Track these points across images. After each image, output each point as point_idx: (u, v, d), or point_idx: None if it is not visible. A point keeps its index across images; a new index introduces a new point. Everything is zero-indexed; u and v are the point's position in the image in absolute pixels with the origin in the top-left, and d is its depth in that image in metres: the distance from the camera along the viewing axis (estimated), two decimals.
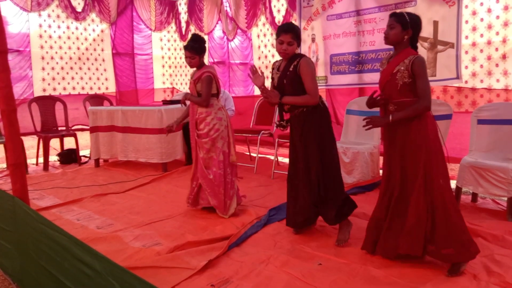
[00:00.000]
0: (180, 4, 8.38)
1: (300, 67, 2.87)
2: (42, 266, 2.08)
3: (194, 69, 3.66)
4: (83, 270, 1.69)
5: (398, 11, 2.62)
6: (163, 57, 8.88)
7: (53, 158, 6.15)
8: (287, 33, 2.88)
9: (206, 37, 7.89)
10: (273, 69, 3.10)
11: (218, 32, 7.85)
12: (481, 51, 4.56)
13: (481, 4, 4.50)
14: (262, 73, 3.11)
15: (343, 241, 2.94)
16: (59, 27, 7.24)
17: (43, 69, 7.09)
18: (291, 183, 3.12)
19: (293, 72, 2.90)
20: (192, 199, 3.68)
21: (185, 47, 3.52)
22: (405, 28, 2.51)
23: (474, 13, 4.56)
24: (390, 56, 2.66)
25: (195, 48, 3.48)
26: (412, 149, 2.52)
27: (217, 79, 3.59)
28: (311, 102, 2.89)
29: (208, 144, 3.50)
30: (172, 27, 8.61)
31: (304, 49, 5.87)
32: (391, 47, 2.64)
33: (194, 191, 3.65)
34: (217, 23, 7.74)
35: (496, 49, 4.45)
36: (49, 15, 7.08)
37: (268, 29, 6.95)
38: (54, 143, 6.26)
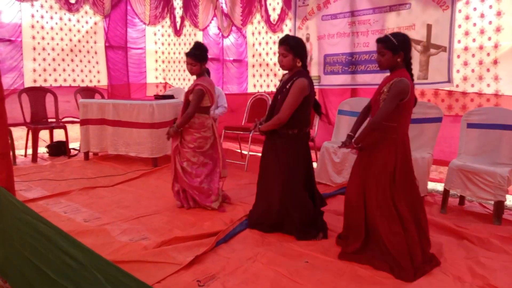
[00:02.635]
0: None
1: (292, 86, 2.89)
2: (26, 257, 2.06)
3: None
4: (67, 262, 1.67)
5: (383, 36, 2.59)
6: (156, 52, 8.82)
7: (42, 150, 6.08)
8: (281, 45, 2.94)
9: (201, 34, 7.88)
10: (280, 81, 3.15)
11: (213, 29, 7.81)
12: (473, 55, 4.59)
13: (475, 9, 4.54)
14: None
15: None
16: (51, 18, 7.15)
17: (34, 60, 7.00)
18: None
19: (288, 89, 2.92)
20: (182, 200, 3.71)
21: (187, 54, 3.57)
22: (395, 53, 2.52)
23: (467, 17, 4.59)
24: (387, 77, 2.69)
25: (196, 55, 3.53)
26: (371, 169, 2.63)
27: (211, 93, 3.61)
28: (281, 121, 2.91)
29: (190, 154, 3.60)
30: (166, 22, 8.55)
31: None
32: None
33: (181, 196, 3.69)
34: (212, 19, 7.71)
35: (488, 54, 4.49)
36: (41, 6, 6.99)
37: (263, 27, 6.94)
38: (44, 134, 6.19)
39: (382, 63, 2.58)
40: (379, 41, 2.57)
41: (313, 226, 3.02)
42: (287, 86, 2.93)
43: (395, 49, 2.50)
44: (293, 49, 2.91)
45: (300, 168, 3.02)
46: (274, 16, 6.70)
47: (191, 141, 3.59)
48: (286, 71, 3.06)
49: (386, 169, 2.56)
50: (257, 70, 7.22)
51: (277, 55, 3.01)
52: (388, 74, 2.66)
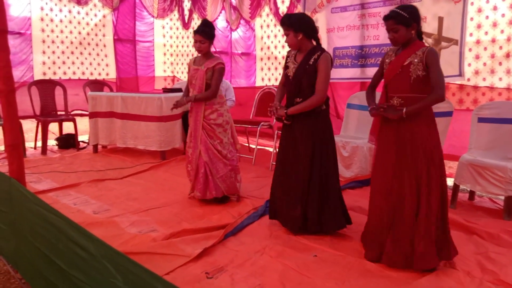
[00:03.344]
0: None
1: (320, 61, 2.78)
2: (36, 247, 2.08)
3: (194, 57, 3.62)
4: (77, 253, 1.69)
5: (390, 10, 2.44)
6: (164, 45, 8.83)
7: (52, 142, 6.13)
8: (282, 26, 2.89)
9: None
10: (288, 57, 3.00)
11: (221, 22, 7.79)
12: (485, 49, 4.53)
13: (487, 1, 4.47)
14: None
15: None
16: (60, 10, 7.18)
17: (44, 52, 7.05)
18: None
19: (313, 66, 2.80)
20: (201, 189, 3.53)
21: (196, 31, 3.43)
22: (408, 26, 2.39)
23: (479, 10, 4.52)
24: (397, 49, 2.54)
25: (206, 32, 3.41)
26: (417, 149, 2.40)
27: None
28: (318, 103, 2.81)
29: (222, 134, 3.52)
30: (174, 15, 8.54)
31: None
32: None
33: (201, 181, 3.52)
34: (220, 12, 7.68)
35: (500, 48, 4.42)
36: None
37: (271, 20, 6.90)
38: (53, 127, 6.23)
39: (397, 39, 2.42)
40: (387, 17, 2.42)
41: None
42: (310, 62, 2.81)
43: (407, 22, 2.38)
44: (292, 26, 2.81)
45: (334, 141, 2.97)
46: (283, 8, 6.65)
47: (218, 117, 3.50)
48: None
49: (432, 146, 2.41)
50: (265, 64, 7.19)
51: (286, 48, 2.97)
52: None
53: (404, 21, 2.38)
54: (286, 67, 2.99)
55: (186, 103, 3.56)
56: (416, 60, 2.39)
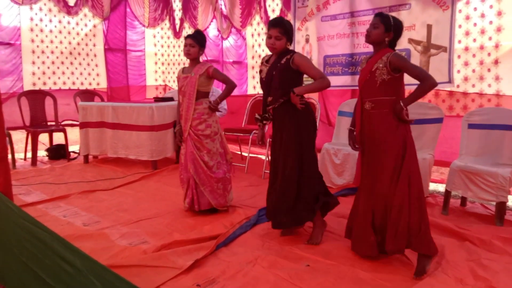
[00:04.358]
0: (174, 1, 8.33)
1: (295, 60, 2.82)
2: (23, 262, 2.03)
3: (182, 68, 3.63)
4: (64, 268, 1.65)
5: (383, 12, 2.64)
6: (156, 54, 8.82)
7: (42, 153, 6.07)
8: (275, 28, 2.84)
9: None
10: (262, 62, 3.05)
11: (213, 31, 7.81)
12: (474, 55, 4.57)
13: (475, 9, 4.52)
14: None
15: (314, 242, 2.91)
16: (50, 21, 7.16)
17: (34, 63, 7.00)
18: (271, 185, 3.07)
19: (285, 64, 2.84)
20: (189, 201, 3.52)
21: (188, 36, 3.48)
22: (387, 30, 2.53)
23: (467, 17, 4.57)
24: (369, 57, 2.67)
25: (197, 38, 3.46)
26: (388, 141, 2.54)
27: None
28: (326, 85, 2.84)
29: (210, 144, 3.49)
30: (166, 24, 8.55)
31: (298, 49, 5.85)
32: None
33: (192, 194, 3.50)
34: (211, 21, 7.70)
35: (489, 54, 4.47)
36: (40, 9, 7.00)
37: (262, 29, 6.93)
38: (43, 138, 6.16)
39: (372, 35, 2.57)
40: (378, 15, 2.58)
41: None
42: (282, 61, 2.84)
43: (389, 27, 2.53)
44: (286, 33, 2.85)
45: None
46: (273, 17, 6.68)
47: (206, 128, 3.48)
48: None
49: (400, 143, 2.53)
50: (256, 72, 7.20)
51: None
52: None
53: (387, 23, 2.54)
54: (260, 72, 3.04)
55: (215, 107, 3.49)
56: (381, 65, 2.52)
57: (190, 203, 3.52)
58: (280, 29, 2.83)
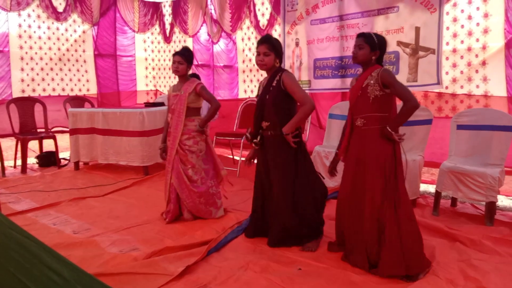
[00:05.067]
0: (164, 6, 8.31)
1: (284, 81, 2.86)
2: (11, 272, 2.00)
3: (172, 86, 3.65)
4: (52, 278, 1.63)
5: (366, 31, 2.69)
6: (146, 59, 8.79)
7: (32, 160, 6.00)
8: (263, 44, 2.89)
9: (191, 40, 7.87)
10: (259, 87, 3.11)
11: (203, 35, 7.80)
12: (462, 57, 4.62)
13: (462, 11, 4.57)
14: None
15: (310, 249, 2.91)
16: (39, 27, 7.10)
17: (22, 69, 6.94)
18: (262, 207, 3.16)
19: (276, 87, 2.88)
20: (171, 216, 3.52)
21: (176, 53, 3.51)
22: (373, 49, 2.58)
23: (455, 19, 4.62)
24: (359, 75, 2.71)
25: (185, 55, 3.50)
26: (376, 161, 2.55)
27: None
28: (310, 110, 2.85)
29: (195, 159, 3.51)
30: (156, 29, 8.53)
31: (288, 53, 5.87)
32: None
33: (175, 207, 3.53)
34: (201, 25, 7.70)
35: (476, 56, 4.52)
36: (29, 15, 6.94)
37: (252, 33, 6.95)
38: (33, 145, 6.11)
39: (358, 56, 2.60)
40: (361, 35, 2.62)
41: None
42: (274, 84, 2.89)
43: (374, 46, 2.57)
44: (274, 49, 2.89)
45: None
46: (263, 21, 6.70)
47: (193, 145, 3.50)
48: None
49: (388, 160, 2.54)
50: (247, 76, 7.22)
51: None
52: None
53: (371, 43, 2.57)
54: (258, 96, 3.07)
55: (202, 129, 3.53)
56: (372, 82, 2.55)
57: (170, 217, 3.52)
58: (268, 45, 2.87)
